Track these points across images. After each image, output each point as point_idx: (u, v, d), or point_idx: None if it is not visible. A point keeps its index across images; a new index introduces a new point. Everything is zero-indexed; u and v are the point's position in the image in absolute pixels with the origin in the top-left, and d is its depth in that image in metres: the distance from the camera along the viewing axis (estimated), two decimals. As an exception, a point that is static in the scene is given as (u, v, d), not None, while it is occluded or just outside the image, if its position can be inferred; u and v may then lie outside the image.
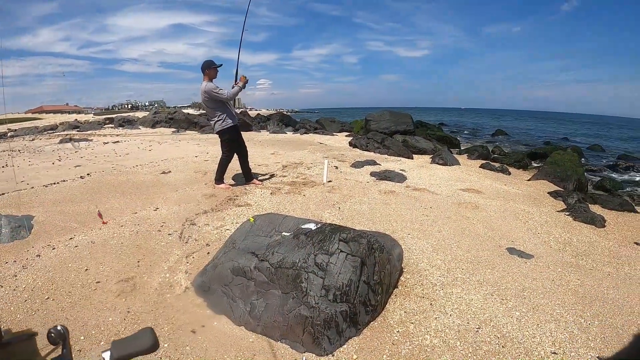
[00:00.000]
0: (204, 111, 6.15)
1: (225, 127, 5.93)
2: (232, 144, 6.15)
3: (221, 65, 5.92)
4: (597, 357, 2.55)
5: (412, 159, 11.67)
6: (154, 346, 1.05)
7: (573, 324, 2.91)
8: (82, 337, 2.58)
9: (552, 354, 2.56)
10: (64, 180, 6.58)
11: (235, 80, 6.15)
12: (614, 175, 13.44)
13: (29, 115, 64.60)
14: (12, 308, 2.85)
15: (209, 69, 5.82)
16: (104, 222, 4.55)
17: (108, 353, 1.00)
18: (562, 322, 2.92)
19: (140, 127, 22.96)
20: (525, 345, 2.64)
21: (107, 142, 13.30)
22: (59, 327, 1.09)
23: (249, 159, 6.49)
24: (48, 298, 3.01)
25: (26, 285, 3.15)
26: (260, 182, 6.62)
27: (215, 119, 5.91)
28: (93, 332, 2.64)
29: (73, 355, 1.24)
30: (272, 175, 7.36)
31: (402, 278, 3.46)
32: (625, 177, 13.27)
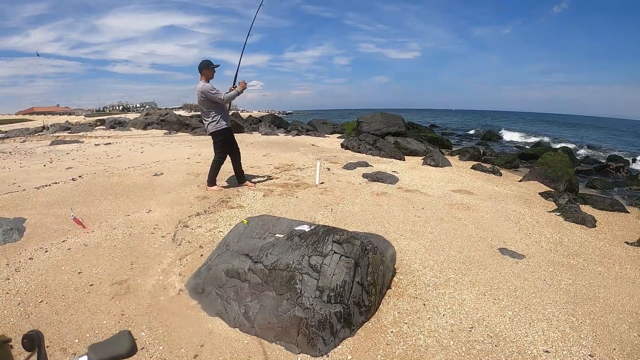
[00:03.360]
0: (196, 112, 6.10)
1: (218, 128, 5.93)
2: (225, 146, 6.14)
3: (218, 65, 5.90)
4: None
5: (404, 160, 11.70)
6: (132, 350, 1.04)
7: (565, 323, 2.94)
8: (77, 341, 2.56)
9: (545, 353, 2.58)
10: (56, 183, 6.54)
11: (234, 84, 6.11)
12: (604, 176, 13.54)
13: (20, 116, 64.18)
14: (5, 312, 2.83)
15: (207, 69, 5.80)
16: (84, 227, 4.41)
17: (85, 357, 0.99)
18: (554, 321, 2.95)
19: (131, 128, 22.86)
20: (517, 344, 2.66)
21: (99, 144, 13.23)
22: (32, 333, 1.07)
23: (241, 161, 6.49)
24: (41, 301, 2.99)
25: (19, 288, 3.13)
26: (252, 184, 6.61)
27: (209, 120, 5.90)
28: (87, 335, 2.63)
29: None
30: (264, 177, 7.35)
31: (395, 279, 3.47)
32: (616, 177, 13.37)
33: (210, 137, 6.14)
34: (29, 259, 3.64)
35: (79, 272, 3.42)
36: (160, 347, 2.53)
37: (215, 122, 5.89)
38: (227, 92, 5.86)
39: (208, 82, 5.80)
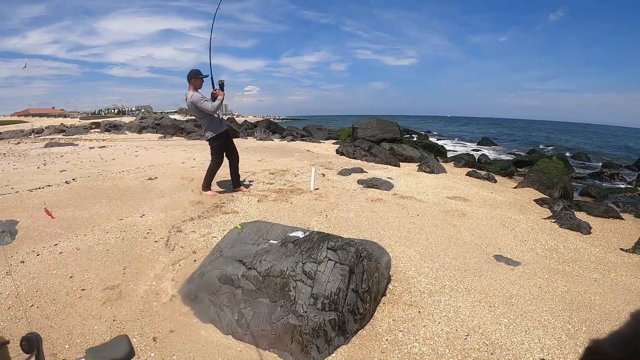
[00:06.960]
0: (191, 117, 6.06)
1: (214, 134, 5.91)
2: (222, 151, 6.12)
3: (207, 76, 5.87)
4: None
5: (399, 166, 11.69)
6: (130, 354, 1.02)
7: (561, 330, 2.93)
8: (67, 346, 2.53)
9: (540, 361, 2.57)
10: (49, 185, 6.49)
11: (213, 87, 6.04)
12: (598, 182, 13.59)
13: (15, 118, 63.97)
14: (-6, 316, 2.79)
15: (195, 78, 5.77)
16: (52, 217, 4.68)
17: None
18: (550, 329, 2.94)
19: (126, 132, 22.78)
20: (514, 352, 2.65)
21: (94, 147, 13.16)
22: (31, 335, 1.05)
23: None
24: (32, 305, 2.95)
25: (10, 292, 3.08)
26: (247, 189, 6.58)
27: (205, 127, 5.92)
28: (78, 340, 2.59)
29: None
30: (259, 183, 7.32)
31: (390, 286, 3.45)
32: (610, 184, 13.43)
33: (208, 142, 6.11)
34: (20, 262, 3.60)
35: (71, 276, 3.38)
36: (152, 354, 2.50)
37: (210, 128, 5.88)
38: (212, 102, 5.79)
39: (196, 91, 5.78)
